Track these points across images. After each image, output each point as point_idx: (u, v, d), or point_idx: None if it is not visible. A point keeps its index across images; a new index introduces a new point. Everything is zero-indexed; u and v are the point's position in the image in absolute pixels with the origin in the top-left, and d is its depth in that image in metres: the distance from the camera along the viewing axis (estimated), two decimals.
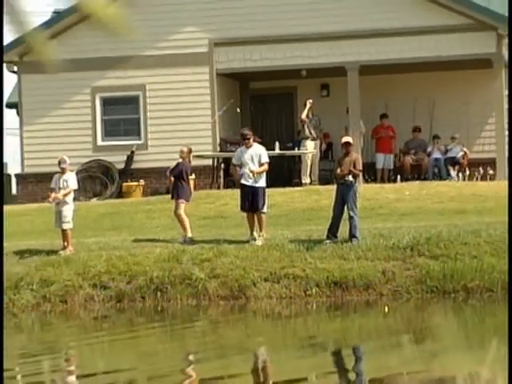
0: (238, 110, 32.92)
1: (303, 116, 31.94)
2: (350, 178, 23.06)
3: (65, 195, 23.98)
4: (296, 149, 32.31)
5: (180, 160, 24.91)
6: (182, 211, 24.26)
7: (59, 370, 15.74)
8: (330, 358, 16.99)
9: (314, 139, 32.20)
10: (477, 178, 31.84)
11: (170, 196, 25.35)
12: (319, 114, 32.84)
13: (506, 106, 31.98)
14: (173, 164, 25.07)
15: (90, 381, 14.13)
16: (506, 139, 32.07)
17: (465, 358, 11.98)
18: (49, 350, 18.44)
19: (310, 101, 32.35)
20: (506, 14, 33.18)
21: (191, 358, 17.07)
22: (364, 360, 16.90)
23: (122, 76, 32.65)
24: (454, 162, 32.81)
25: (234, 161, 24.76)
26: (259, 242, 23.23)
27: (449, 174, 32.48)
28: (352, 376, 15.64)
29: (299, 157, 32.34)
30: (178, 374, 15.07)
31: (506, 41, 31.50)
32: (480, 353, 13.59)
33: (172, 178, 24.68)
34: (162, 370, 15.21)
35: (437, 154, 32.98)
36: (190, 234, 24.06)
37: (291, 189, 29.58)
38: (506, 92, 31.89)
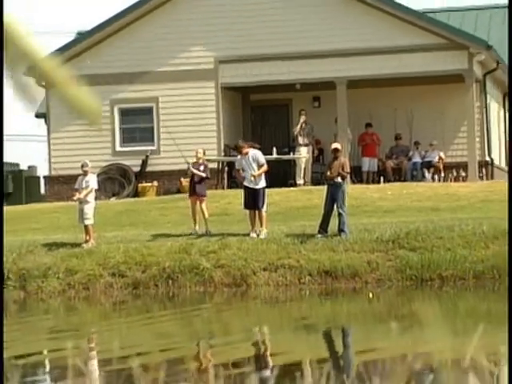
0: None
1: (296, 132, 32.09)
2: (339, 179, 23.23)
3: (86, 195, 24.01)
4: (291, 154, 32.24)
5: (200, 161, 25.01)
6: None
7: (82, 348, 15.62)
8: (321, 336, 17.02)
9: (306, 145, 32.18)
10: (451, 180, 31.85)
11: (180, 195, 25.64)
12: (311, 122, 32.75)
13: (476, 116, 32.08)
14: (196, 161, 25.07)
15: (109, 357, 13.91)
16: (477, 145, 32.20)
17: (438, 335, 12.04)
18: (73, 331, 18.45)
19: (304, 117, 32.36)
20: (477, 35, 33.61)
21: (199, 335, 17.21)
22: (350, 338, 17.04)
23: (137, 90, 32.57)
24: (429, 165, 32.72)
25: (237, 166, 24.94)
26: (262, 236, 23.34)
27: (424, 176, 32.42)
28: (340, 350, 15.79)
29: (294, 161, 32.36)
30: (187, 350, 15.07)
31: (476, 58, 31.56)
32: (452, 331, 13.54)
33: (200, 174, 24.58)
34: (174, 347, 15.18)
35: (416, 159, 32.90)
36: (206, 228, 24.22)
37: (287, 189, 29.58)
38: (476, 103, 32.03)
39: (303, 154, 32.08)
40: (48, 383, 12.92)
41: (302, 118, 32.49)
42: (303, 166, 32.00)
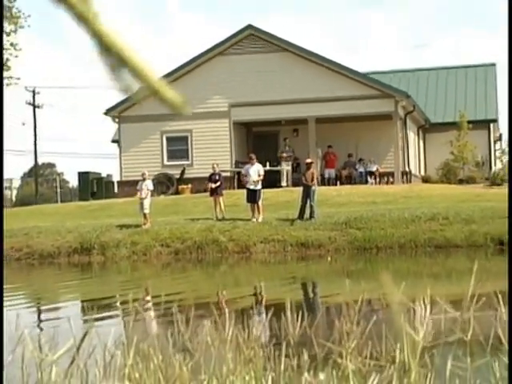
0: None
1: (280, 153, 32.24)
2: (310, 183, 23.20)
3: (145, 193, 24.03)
4: (278, 166, 32.02)
5: (216, 171, 24.76)
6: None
7: (143, 292, 15.63)
8: (299, 285, 17.08)
9: (287, 161, 32.10)
10: (383, 183, 31.82)
11: (206, 193, 25.32)
12: (292, 146, 32.81)
13: (399, 142, 31.92)
14: (213, 172, 24.77)
15: (160, 294, 13.94)
16: (400, 160, 32.63)
17: (372, 283, 11.98)
18: (136, 281, 18.50)
19: (287, 142, 32.53)
20: (402, 89, 33.78)
21: (219, 284, 17.13)
22: (317, 285, 17.05)
23: (178, 124, 32.32)
24: (371, 173, 32.64)
25: (243, 172, 24.86)
26: (259, 220, 23.28)
27: (367, 181, 32.34)
28: (311, 293, 15.82)
29: (279, 171, 32.16)
30: (212, 293, 14.98)
31: (399, 104, 31.50)
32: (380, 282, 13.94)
33: (214, 185, 24.41)
34: (203, 292, 15.27)
35: (361, 169, 32.79)
36: (222, 215, 24.10)
37: (276, 189, 29.30)
38: (400, 134, 31.88)
39: (285, 167, 31.99)
40: (120, 315, 12.99)
41: (285, 143, 32.58)
42: (285, 174, 31.89)
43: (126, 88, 0.80)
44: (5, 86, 32.33)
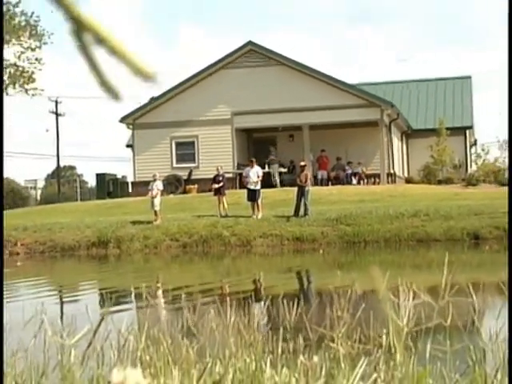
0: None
1: (267, 160, 31.73)
2: (304, 184, 23.16)
3: (156, 193, 23.97)
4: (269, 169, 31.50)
5: (220, 173, 24.73)
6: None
7: (154, 281, 15.22)
8: (294, 274, 17.06)
9: (273, 163, 31.82)
10: (370, 184, 31.68)
11: (211, 193, 25.14)
12: (288, 151, 32.71)
13: (385, 146, 31.79)
14: (217, 174, 24.78)
15: (169, 286, 13.69)
16: (386, 163, 32.53)
17: (360, 272, 12.01)
18: (149, 272, 18.36)
19: (273, 151, 32.12)
20: (387, 99, 33.64)
21: (222, 274, 17.11)
22: (310, 275, 17.01)
23: (186, 131, 32.25)
24: (355, 174, 32.39)
25: (244, 174, 24.77)
26: (259, 217, 23.21)
27: (358, 182, 32.12)
28: (305, 282, 15.86)
29: (270, 173, 31.43)
30: (216, 282, 15.00)
31: (385, 112, 31.37)
32: (367, 272, 13.91)
33: (217, 185, 24.36)
34: (208, 281, 15.16)
35: (350, 171, 32.56)
36: (226, 212, 24.00)
37: (273, 189, 29.19)
38: (385, 139, 31.75)
39: (276, 169, 31.76)
40: (133, 302, 12.92)
41: (271, 150, 32.27)
42: (275, 175, 31.64)
43: (112, 93, 0.80)
44: (30, 96, 32.52)
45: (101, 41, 0.76)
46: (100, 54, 0.78)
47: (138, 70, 0.77)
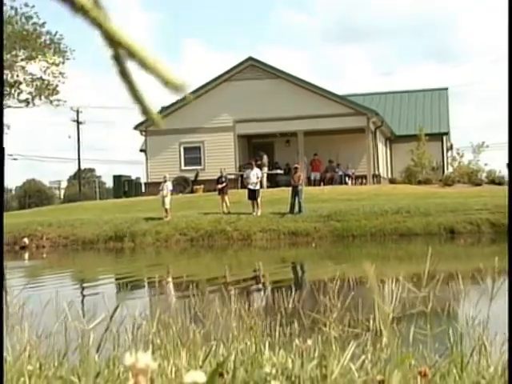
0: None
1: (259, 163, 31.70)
2: (298, 184, 23.07)
3: (166, 193, 23.93)
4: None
5: (224, 174, 24.74)
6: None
7: (166, 271, 15.32)
8: (290, 264, 16.97)
9: (263, 166, 31.31)
10: (359, 184, 31.60)
11: (215, 192, 25.06)
12: (285, 155, 32.56)
13: (371, 150, 31.63)
14: (220, 175, 24.72)
15: (179, 276, 13.98)
16: (371, 165, 32.46)
17: (351, 263, 11.98)
18: (160, 263, 18.40)
19: (265, 157, 31.63)
20: (372, 108, 33.52)
21: (226, 265, 16.72)
22: (304, 265, 16.91)
23: (193, 137, 32.15)
24: (348, 176, 32.39)
25: (244, 175, 24.74)
26: (259, 214, 23.15)
27: (345, 183, 32.04)
28: (300, 272, 15.76)
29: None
30: (221, 272, 14.80)
31: (371, 120, 31.20)
32: (357, 262, 13.67)
33: (220, 186, 24.37)
34: (213, 271, 15.10)
35: (340, 173, 32.54)
36: (228, 210, 23.82)
37: (271, 189, 28.90)
38: (371, 144, 31.62)
39: (265, 171, 31.22)
40: (147, 290, 12.87)
41: (260, 155, 31.70)
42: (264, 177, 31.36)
43: (147, 112, 0.77)
44: (54, 107, 32.58)
45: (132, 55, 0.72)
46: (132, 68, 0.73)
47: (168, 81, 0.73)
